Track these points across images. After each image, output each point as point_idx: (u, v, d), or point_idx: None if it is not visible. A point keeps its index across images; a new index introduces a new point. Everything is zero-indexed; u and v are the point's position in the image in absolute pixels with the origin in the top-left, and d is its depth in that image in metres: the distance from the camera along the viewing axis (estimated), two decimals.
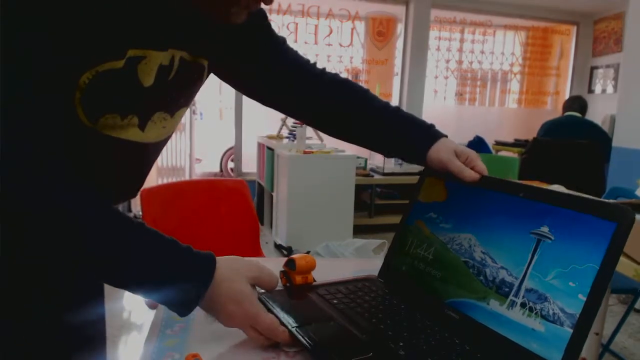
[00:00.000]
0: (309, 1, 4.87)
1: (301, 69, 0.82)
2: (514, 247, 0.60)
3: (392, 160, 4.89)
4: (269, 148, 3.96)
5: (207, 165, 5.39)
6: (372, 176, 4.27)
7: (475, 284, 0.63)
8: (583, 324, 0.52)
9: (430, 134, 0.77)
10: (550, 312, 0.55)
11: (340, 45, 5.09)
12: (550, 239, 0.58)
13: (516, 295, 0.58)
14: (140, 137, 0.62)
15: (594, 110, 4.98)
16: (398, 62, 5.30)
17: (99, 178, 0.60)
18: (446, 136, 0.78)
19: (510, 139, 5.40)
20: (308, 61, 0.84)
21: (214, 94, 5.08)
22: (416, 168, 4.49)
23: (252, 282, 0.62)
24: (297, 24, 4.90)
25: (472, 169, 0.72)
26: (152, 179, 4.58)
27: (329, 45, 5.05)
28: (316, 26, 4.97)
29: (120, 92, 0.56)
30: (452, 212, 0.72)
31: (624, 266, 1.14)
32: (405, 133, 0.78)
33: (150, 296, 0.58)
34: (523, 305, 0.57)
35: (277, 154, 3.60)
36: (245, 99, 4.80)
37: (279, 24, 4.84)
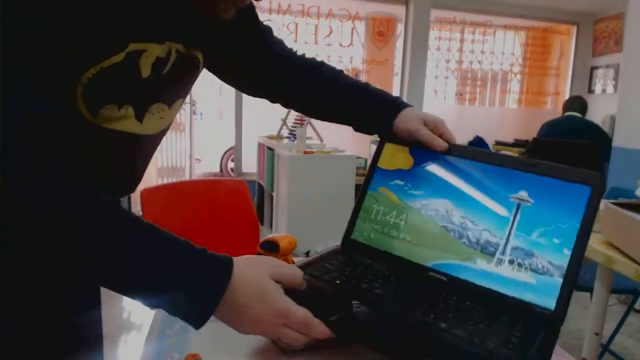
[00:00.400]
0: (309, 1, 4.87)
1: (286, 59, 0.89)
2: (494, 211, 0.65)
3: None
4: (269, 148, 3.96)
5: (207, 165, 5.39)
6: None
7: (457, 246, 0.66)
8: (571, 274, 0.59)
9: (396, 104, 0.80)
10: (539, 265, 0.61)
11: (340, 45, 5.09)
12: (529, 202, 0.63)
13: (503, 253, 0.63)
14: (139, 129, 0.62)
15: (594, 110, 4.98)
16: (398, 62, 5.30)
17: (99, 174, 0.59)
18: (412, 106, 0.80)
19: (510, 139, 5.40)
20: (287, 48, 0.92)
21: (214, 94, 5.08)
22: None
23: (273, 277, 0.56)
24: (297, 24, 4.90)
25: (440, 136, 0.74)
26: (152, 179, 4.58)
27: (329, 45, 5.05)
28: (316, 26, 4.97)
29: (121, 85, 0.56)
30: (421, 179, 0.73)
31: (624, 266, 1.14)
32: (372, 105, 0.81)
33: (157, 303, 0.53)
34: (511, 262, 0.62)
35: (277, 154, 3.60)
36: (246, 99, 4.81)
37: (279, 24, 4.84)
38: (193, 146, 4.71)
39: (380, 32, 5.22)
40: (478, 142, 4.69)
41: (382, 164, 0.76)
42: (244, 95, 4.83)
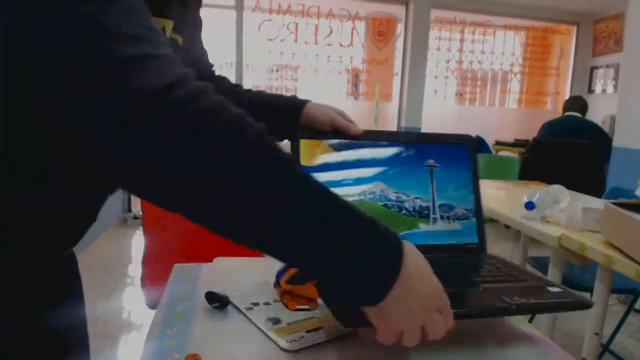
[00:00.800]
0: (309, 1, 4.87)
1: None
2: (417, 181, 0.77)
3: None
4: None
5: None
6: None
7: (400, 218, 0.76)
8: (479, 211, 0.80)
9: (297, 99, 0.81)
10: (460, 213, 0.79)
11: (341, 45, 5.09)
12: (437, 166, 0.78)
13: (434, 212, 0.77)
14: None
15: (594, 110, 4.98)
16: (398, 62, 5.30)
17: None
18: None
19: (510, 139, 5.40)
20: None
21: None
22: None
23: None
24: (297, 24, 4.90)
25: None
26: None
27: (329, 45, 5.05)
28: (316, 26, 4.97)
29: None
30: (348, 167, 0.74)
31: (624, 266, 1.14)
32: (279, 103, 0.82)
33: (339, 271, 0.46)
34: (442, 217, 0.78)
35: None
36: None
37: (279, 24, 4.84)
38: None
39: (380, 32, 5.22)
40: (478, 142, 4.70)
41: (306, 162, 0.72)
42: None
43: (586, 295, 2.62)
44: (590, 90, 5.66)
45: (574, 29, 5.74)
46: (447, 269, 0.68)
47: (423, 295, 0.48)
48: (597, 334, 1.33)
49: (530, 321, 2.13)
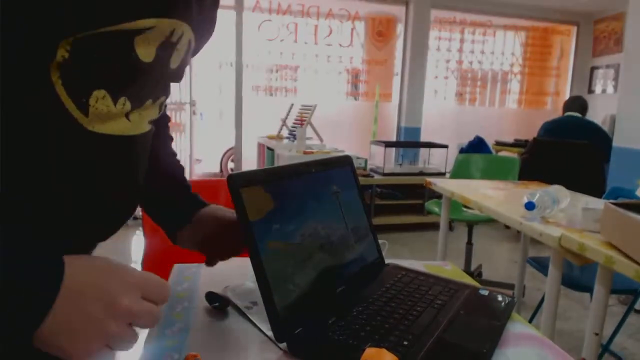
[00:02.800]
0: (309, 1, 4.87)
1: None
2: (332, 211, 0.77)
3: (392, 160, 4.89)
4: (269, 148, 3.96)
5: (207, 165, 5.39)
6: (372, 176, 4.26)
7: (335, 254, 0.74)
8: (372, 227, 0.84)
9: (183, 213, 0.78)
10: (363, 232, 0.81)
11: (340, 46, 5.09)
12: (339, 192, 0.79)
13: (351, 239, 0.78)
14: (129, 130, 0.52)
15: (594, 111, 4.98)
16: (398, 62, 5.31)
17: (100, 195, 0.52)
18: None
19: (510, 139, 5.40)
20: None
21: (214, 94, 5.09)
22: (416, 168, 4.49)
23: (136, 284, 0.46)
24: (297, 24, 4.91)
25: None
26: None
27: (329, 45, 5.05)
28: (316, 26, 4.97)
29: (114, 66, 0.46)
30: (286, 213, 0.67)
31: (624, 266, 1.14)
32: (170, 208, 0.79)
33: None
34: (356, 241, 0.79)
35: (277, 154, 3.60)
36: (245, 100, 4.81)
37: (278, 24, 4.84)
38: (193, 146, 4.71)
39: (380, 32, 5.22)
40: (478, 142, 4.70)
41: (253, 215, 0.61)
42: (244, 96, 4.81)
43: (586, 295, 2.62)
44: (590, 91, 5.67)
45: (574, 29, 5.74)
46: (393, 300, 0.71)
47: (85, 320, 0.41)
48: (597, 334, 1.33)
49: (530, 321, 2.13)
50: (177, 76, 0.58)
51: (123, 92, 0.49)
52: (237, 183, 0.61)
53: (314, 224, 0.71)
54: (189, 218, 0.77)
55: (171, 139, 0.84)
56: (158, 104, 0.57)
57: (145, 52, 0.48)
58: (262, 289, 0.59)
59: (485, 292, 0.75)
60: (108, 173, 0.53)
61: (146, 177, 0.63)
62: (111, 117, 0.49)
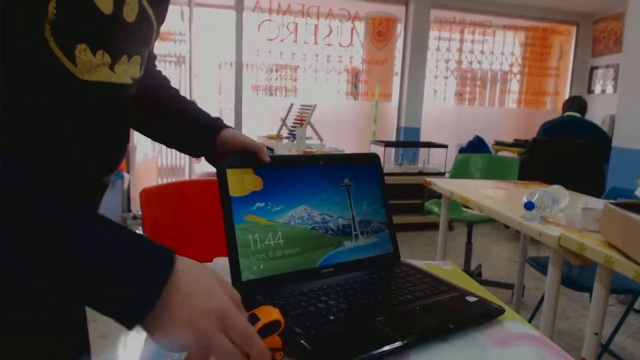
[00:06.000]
0: (309, 1, 4.87)
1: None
2: (337, 201, 0.82)
3: (392, 160, 4.89)
4: (268, 148, 3.96)
5: (207, 165, 5.38)
6: None
7: (327, 239, 0.80)
8: (390, 224, 0.87)
9: (218, 122, 0.81)
10: (375, 227, 0.85)
11: (340, 45, 5.09)
12: (352, 185, 0.84)
13: (355, 230, 0.83)
14: (114, 77, 0.57)
15: (593, 111, 4.98)
16: (398, 62, 5.31)
17: (87, 140, 0.57)
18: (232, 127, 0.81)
19: (509, 139, 5.40)
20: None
21: (214, 94, 5.09)
22: (416, 168, 4.50)
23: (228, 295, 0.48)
24: (297, 24, 4.90)
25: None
26: (152, 179, 4.58)
27: (329, 45, 5.05)
28: (316, 26, 4.97)
29: (85, 20, 0.51)
30: (276, 194, 0.75)
31: (623, 266, 1.14)
32: (199, 120, 0.81)
33: (92, 294, 0.42)
34: (362, 233, 0.83)
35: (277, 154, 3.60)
36: (245, 99, 4.81)
37: (278, 24, 4.84)
38: None
39: (380, 32, 5.22)
40: (477, 142, 4.70)
41: (235, 192, 0.72)
42: (244, 95, 4.82)
43: (585, 295, 2.62)
44: (590, 91, 5.67)
45: (574, 29, 5.74)
46: (372, 288, 0.75)
47: (189, 312, 0.43)
48: (596, 334, 1.33)
49: (529, 321, 2.13)
50: (141, 34, 0.61)
51: (99, 45, 0.54)
52: (225, 164, 0.73)
53: (308, 209, 0.77)
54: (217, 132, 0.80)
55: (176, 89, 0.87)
56: (136, 63, 0.62)
57: (104, 3, 0.52)
58: (230, 252, 0.69)
59: (472, 299, 0.73)
60: (101, 118, 0.59)
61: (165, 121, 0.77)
62: (95, 66, 0.54)
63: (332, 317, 0.62)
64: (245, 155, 0.77)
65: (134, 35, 0.60)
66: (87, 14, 0.51)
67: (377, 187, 0.87)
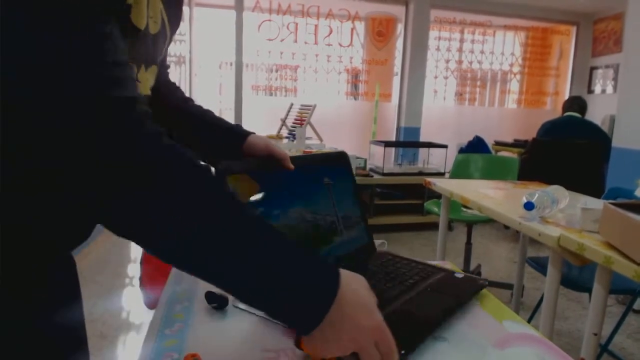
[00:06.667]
0: (309, 1, 4.87)
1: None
2: (322, 199, 0.85)
3: (392, 160, 4.89)
4: None
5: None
6: (372, 176, 4.26)
7: (320, 236, 0.83)
8: (364, 217, 0.93)
9: (241, 128, 0.83)
10: (354, 221, 0.90)
11: (340, 46, 5.09)
12: (331, 183, 0.87)
13: (340, 224, 0.87)
14: (142, 89, 0.60)
15: (593, 111, 4.98)
16: (398, 62, 5.31)
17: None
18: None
19: (509, 139, 5.40)
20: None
21: (214, 94, 5.09)
22: (416, 168, 4.49)
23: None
24: (297, 24, 4.90)
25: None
26: None
27: (329, 45, 5.05)
28: (316, 26, 4.97)
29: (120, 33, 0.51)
30: (271, 198, 0.76)
31: (622, 266, 1.14)
32: (225, 125, 0.83)
33: (274, 303, 0.48)
34: (345, 227, 0.88)
35: None
36: (245, 99, 4.81)
37: (279, 24, 4.84)
38: None
39: (379, 32, 5.22)
40: (477, 142, 4.70)
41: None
42: (244, 95, 4.82)
43: (585, 295, 2.62)
44: (590, 91, 5.67)
45: (574, 29, 5.74)
46: (378, 277, 0.80)
47: (355, 328, 0.49)
48: (595, 334, 1.33)
49: (528, 321, 2.13)
50: (159, 44, 0.63)
51: (130, 59, 0.55)
52: (224, 171, 0.71)
53: (300, 209, 0.79)
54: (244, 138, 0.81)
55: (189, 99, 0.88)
56: (153, 72, 0.64)
57: (139, 20, 0.55)
58: None
59: (460, 275, 0.85)
60: None
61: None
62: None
63: None
64: (246, 160, 0.78)
65: (155, 46, 0.62)
66: (125, 32, 0.52)
67: (349, 183, 0.92)
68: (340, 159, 0.92)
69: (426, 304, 0.72)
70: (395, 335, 0.51)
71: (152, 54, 0.63)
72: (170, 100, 0.79)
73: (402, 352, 0.58)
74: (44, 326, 0.59)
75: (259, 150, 0.79)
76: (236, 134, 0.81)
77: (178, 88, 0.87)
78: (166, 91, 0.78)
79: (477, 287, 0.81)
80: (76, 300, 0.68)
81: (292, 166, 0.79)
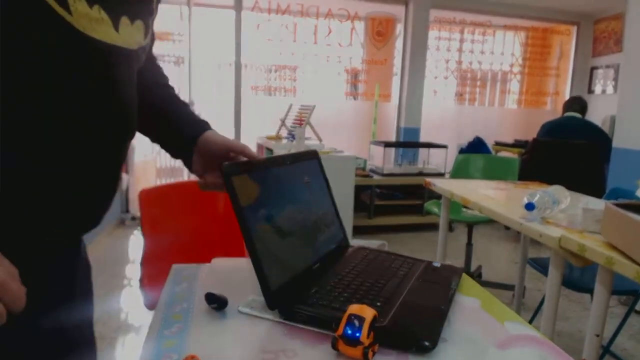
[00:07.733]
0: (308, 1, 4.86)
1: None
2: (307, 198, 0.85)
3: (392, 160, 4.89)
4: (267, 148, 3.95)
5: None
6: (372, 177, 4.26)
7: (313, 234, 0.84)
8: (337, 211, 0.94)
9: (199, 124, 0.82)
10: (331, 218, 0.91)
11: (340, 45, 5.09)
12: (310, 181, 0.88)
13: (322, 222, 0.87)
14: (118, 40, 0.56)
15: (594, 111, 4.98)
16: (398, 62, 5.30)
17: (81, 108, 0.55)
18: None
19: (510, 139, 5.40)
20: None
21: (213, 95, 5.08)
22: (416, 169, 4.49)
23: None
24: (296, 24, 4.90)
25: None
26: (151, 180, 4.57)
27: (329, 45, 5.04)
28: (315, 26, 4.97)
29: None
30: (269, 198, 0.75)
31: (624, 267, 1.13)
32: (181, 123, 0.81)
33: None
34: (325, 224, 0.88)
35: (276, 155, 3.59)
36: (245, 100, 4.81)
37: (278, 24, 4.84)
38: None
39: (379, 32, 5.22)
40: (477, 142, 4.70)
41: (244, 201, 0.68)
42: (243, 96, 4.82)
43: (587, 296, 2.61)
44: (590, 91, 5.67)
45: (574, 29, 5.74)
46: (373, 271, 0.82)
47: None
48: (597, 335, 1.33)
49: (530, 322, 2.13)
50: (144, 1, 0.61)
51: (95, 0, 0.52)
52: (229, 171, 0.69)
53: (291, 209, 0.79)
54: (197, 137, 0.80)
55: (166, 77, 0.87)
56: (139, 27, 0.61)
57: None
58: (256, 266, 0.67)
59: (437, 264, 0.89)
60: (103, 84, 0.57)
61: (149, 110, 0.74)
62: (95, 20, 0.52)
63: (379, 304, 0.68)
64: (242, 161, 0.77)
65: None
66: None
67: (323, 181, 0.93)
68: (312, 157, 0.93)
69: (427, 294, 0.74)
70: (418, 329, 0.53)
71: (134, 7, 0.60)
72: (139, 81, 0.74)
73: (427, 344, 0.59)
74: (53, 324, 0.60)
75: (215, 145, 0.79)
76: (187, 135, 0.79)
77: (156, 65, 0.83)
78: (144, 79, 0.74)
79: (458, 273, 0.85)
80: (87, 299, 0.69)
81: (254, 154, 0.78)
